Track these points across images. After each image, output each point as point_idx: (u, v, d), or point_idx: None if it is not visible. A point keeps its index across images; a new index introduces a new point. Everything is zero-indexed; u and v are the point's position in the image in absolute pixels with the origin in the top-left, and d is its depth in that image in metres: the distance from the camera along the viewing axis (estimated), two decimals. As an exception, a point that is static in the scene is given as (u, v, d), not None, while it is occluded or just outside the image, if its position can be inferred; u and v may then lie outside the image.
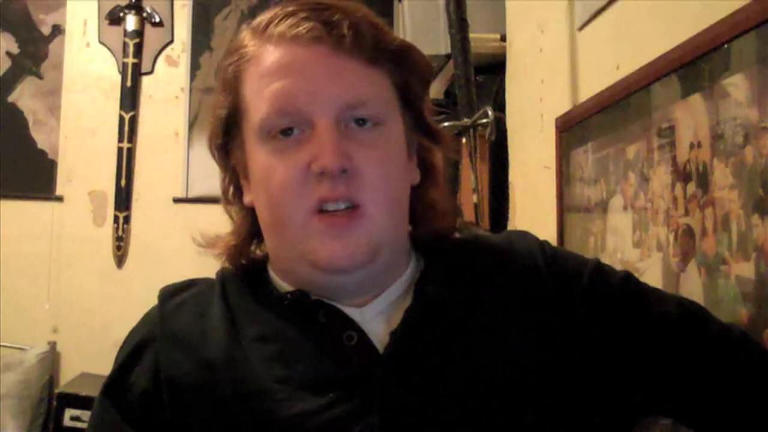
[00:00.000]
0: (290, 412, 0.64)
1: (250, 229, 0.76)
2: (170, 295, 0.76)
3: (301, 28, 0.67)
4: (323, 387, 0.66)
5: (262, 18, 0.71)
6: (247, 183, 0.74)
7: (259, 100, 0.68)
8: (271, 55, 0.68)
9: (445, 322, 0.70)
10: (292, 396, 0.65)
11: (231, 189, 0.77)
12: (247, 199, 0.75)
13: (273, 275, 0.76)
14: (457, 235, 0.81)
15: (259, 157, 0.69)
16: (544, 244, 0.77)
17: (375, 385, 0.65)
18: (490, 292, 0.72)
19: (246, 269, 0.77)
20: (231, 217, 0.78)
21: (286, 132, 0.67)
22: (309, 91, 0.66)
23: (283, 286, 0.74)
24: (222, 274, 0.77)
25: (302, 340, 0.69)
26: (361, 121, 0.68)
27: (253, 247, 0.78)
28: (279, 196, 0.67)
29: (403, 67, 0.72)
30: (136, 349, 0.72)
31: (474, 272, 0.74)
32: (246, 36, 0.72)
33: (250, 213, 0.75)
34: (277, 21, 0.69)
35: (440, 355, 0.68)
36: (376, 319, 0.71)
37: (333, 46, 0.67)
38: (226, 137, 0.74)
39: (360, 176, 0.66)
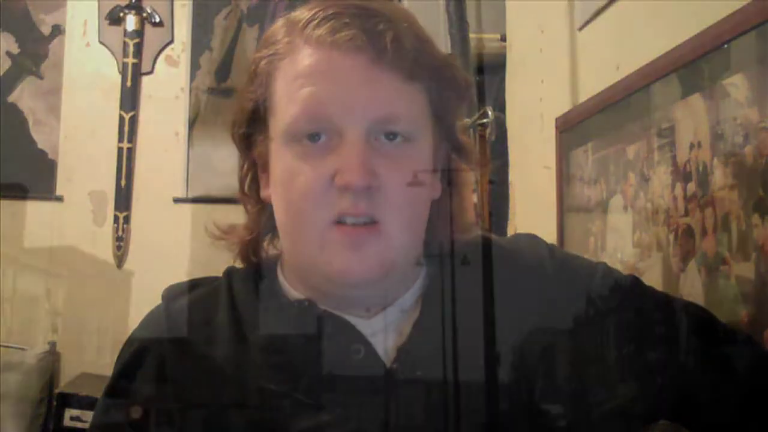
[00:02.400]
0: (295, 428, 0.64)
1: (264, 224, 0.74)
2: (175, 296, 0.75)
3: (341, 34, 0.64)
4: (328, 402, 0.65)
5: (301, 14, 0.68)
6: (266, 176, 0.72)
7: (289, 102, 0.66)
8: (308, 57, 0.66)
9: (453, 333, 0.69)
10: (297, 411, 0.65)
11: (248, 179, 0.75)
12: (264, 193, 0.73)
13: (282, 279, 0.74)
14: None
15: (282, 158, 0.67)
16: (552, 249, 0.77)
17: (381, 401, 0.65)
18: (499, 298, 0.72)
19: (255, 268, 0.75)
20: (246, 209, 0.76)
21: (313, 137, 0.65)
22: (343, 100, 0.64)
23: (292, 291, 0.72)
24: (229, 275, 0.76)
25: (308, 351, 0.68)
26: (391, 135, 0.66)
27: (265, 243, 0.76)
28: (299, 203, 0.66)
29: (442, 84, 0.69)
30: (140, 351, 0.71)
31: (482, 278, 0.73)
32: (282, 31, 0.69)
33: (266, 207, 0.73)
34: (317, 22, 0.66)
35: (447, 369, 0.67)
36: (384, 330, 0.69)
37: (373, 58, 0.64)
38: (250, 128, 0.72)
39: (383, 194, 0.64)
